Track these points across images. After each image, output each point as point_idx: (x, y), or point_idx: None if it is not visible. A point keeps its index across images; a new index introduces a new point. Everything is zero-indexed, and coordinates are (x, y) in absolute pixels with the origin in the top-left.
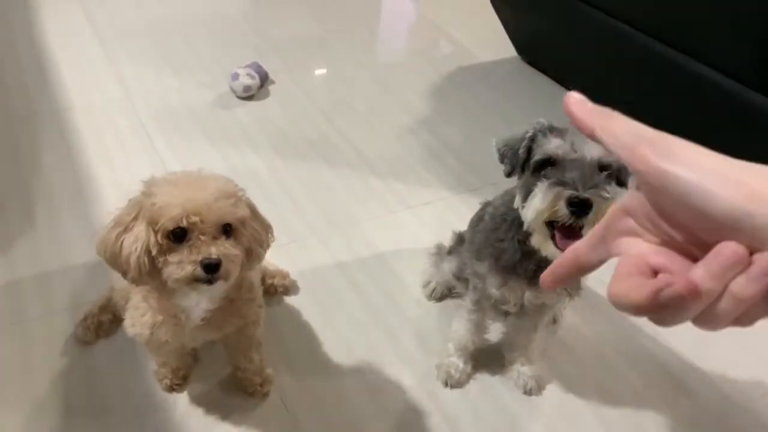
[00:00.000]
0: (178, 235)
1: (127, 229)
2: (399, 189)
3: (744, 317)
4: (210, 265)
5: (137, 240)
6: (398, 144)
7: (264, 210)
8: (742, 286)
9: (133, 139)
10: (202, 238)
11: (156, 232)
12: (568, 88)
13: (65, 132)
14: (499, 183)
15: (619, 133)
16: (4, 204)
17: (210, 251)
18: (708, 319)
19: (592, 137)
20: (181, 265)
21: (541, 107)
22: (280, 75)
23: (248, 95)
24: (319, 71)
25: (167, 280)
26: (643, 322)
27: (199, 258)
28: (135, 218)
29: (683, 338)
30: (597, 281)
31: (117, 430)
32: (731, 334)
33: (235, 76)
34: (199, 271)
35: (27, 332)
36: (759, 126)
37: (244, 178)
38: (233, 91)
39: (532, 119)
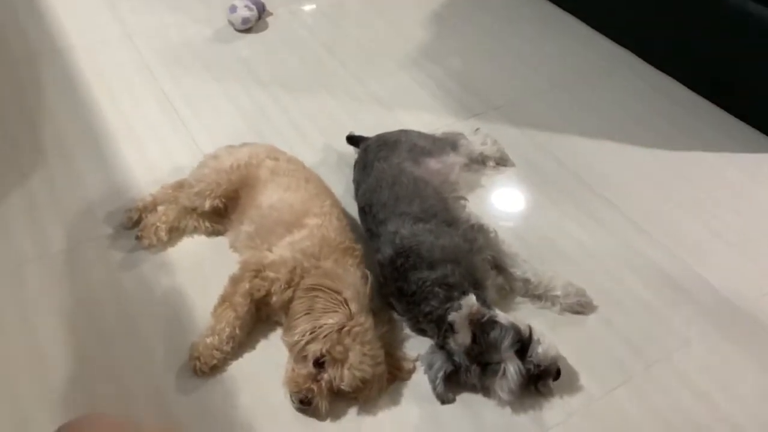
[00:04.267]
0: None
1: None
2: (405, 118)
3: None
4: None
5: None
6: (401, 73)
7: (275, 143)
8: None
9: (137, 76)
10: None
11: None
12: (567, 10)
13: (68, 72)
14: (502, 107)
15: None
16: (17, 143)
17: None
18: None
19: None
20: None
21: (539, 30)
22: (278, 7)
23: (247, 28)
24: (317, 1)
25: None
26: (648, 233)
27: None
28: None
29: (683, 245)
30: (599, 197)
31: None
32: (735, 243)
33: (233, 9)
34: None
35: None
36: None
37: (251, 112)
38: (231, 24)
39: (530, 43)
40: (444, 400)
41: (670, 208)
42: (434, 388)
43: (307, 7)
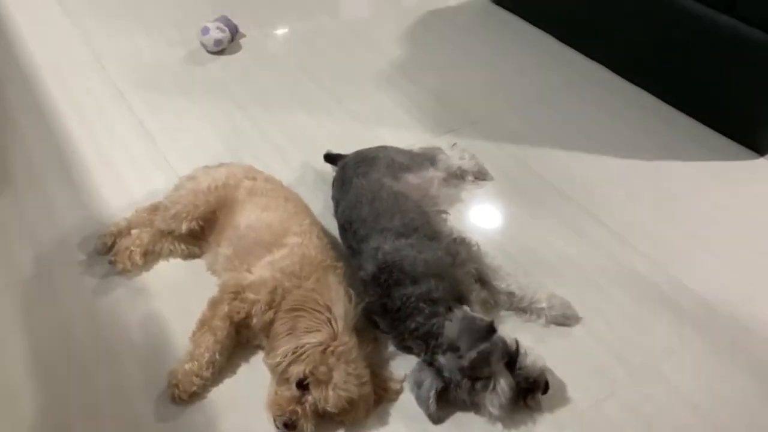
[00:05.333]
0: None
1: None
2: (382, 133)
3: None
4: None
5: None
6: (377, 90)
7: (252, 163)
8: None
9: (108, 100)
10: None
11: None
12: (537, 25)
13: (37, 96)
14: (478, 122)
15: None
16: None
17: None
18: None
19: None
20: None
21: (511, 45)
22: (250, 29)
23: (220, 49)
24: (290, 23)
25: None
26: (629, 243)
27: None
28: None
29: (664, 253)
30: (580, 208)
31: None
32: (714, 250)
33: (206, 31)
34: None
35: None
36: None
37: (227, 133)
38: (204, 46)
39: (503, 59)
40: (436, 421)
41: (650, 218)
42: (426, 408)
43: (280, 30)
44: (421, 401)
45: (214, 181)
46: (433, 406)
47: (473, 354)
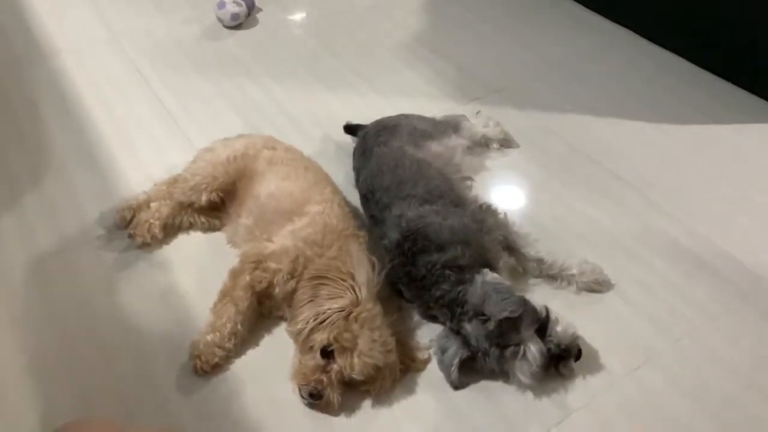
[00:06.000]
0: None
1: None
2: (403, 105)
3: None
4: None
5: None
6: (396, 61)
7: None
8: None
9: (126, 77)
10: None
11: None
12: None
13: (55, 76)
14: (503, 90)
15: None
16: (4, 148)
17: None
18: None
19: None
20: None
21: (533, 13)
22: (267, 3)
23: (236, 24)
24: None
25: None
26: (662, 208)
27: None
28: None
29: (701, 218)
30: (610, 174)
31: None
32: (752, 213)
33: (222, 5)
34: None
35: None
36: None
37: (245, 108)
38: (220, 20)
39: (526, 25)
40: (457, 387)
41: (684, 182)
42: (448, 375)
43: (298, 3)
44: (444, 367)
45: (233, 152)
46: (455, 374)
47: (502, 314)
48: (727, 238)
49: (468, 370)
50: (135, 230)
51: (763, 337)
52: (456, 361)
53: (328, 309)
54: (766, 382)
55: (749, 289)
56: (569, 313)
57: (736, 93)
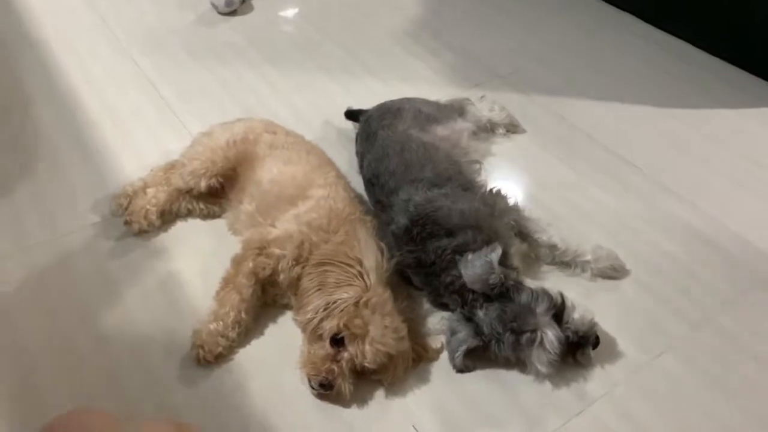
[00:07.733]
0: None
1: None
2: (404, 90)
3: None
4: None
5: None
6: (396, 46)
7: None
8: None
9: (118, 64)
10: None
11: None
12: None
13: (45, 61)
14: (507, 75)
15: None
16: None
17: None
18: None
19: None
20: None
21: None
22: None
23: (231, 10)
24: None
25: None
26: (673, 191)
27: None
28: None
29: (710, 200)
30: (619, 158)
31: None
32: (755, 192)
33: None
34: None
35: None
36: None
37: (242, 95)
38: (214, 6)
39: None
40: (461, 370)
41: (693, 165)
42: (452, 359)
43: None
44: (450, 349)
45: (232, 136)
46: (459, 359)
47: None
48: (735, 219)
49: (477, 356)
50: (131, 217)
51: None
52: (463, 348)
53: (338, 299)
54: None
55: (764, 272)
56: (585, 300)
57: (741, 76)
